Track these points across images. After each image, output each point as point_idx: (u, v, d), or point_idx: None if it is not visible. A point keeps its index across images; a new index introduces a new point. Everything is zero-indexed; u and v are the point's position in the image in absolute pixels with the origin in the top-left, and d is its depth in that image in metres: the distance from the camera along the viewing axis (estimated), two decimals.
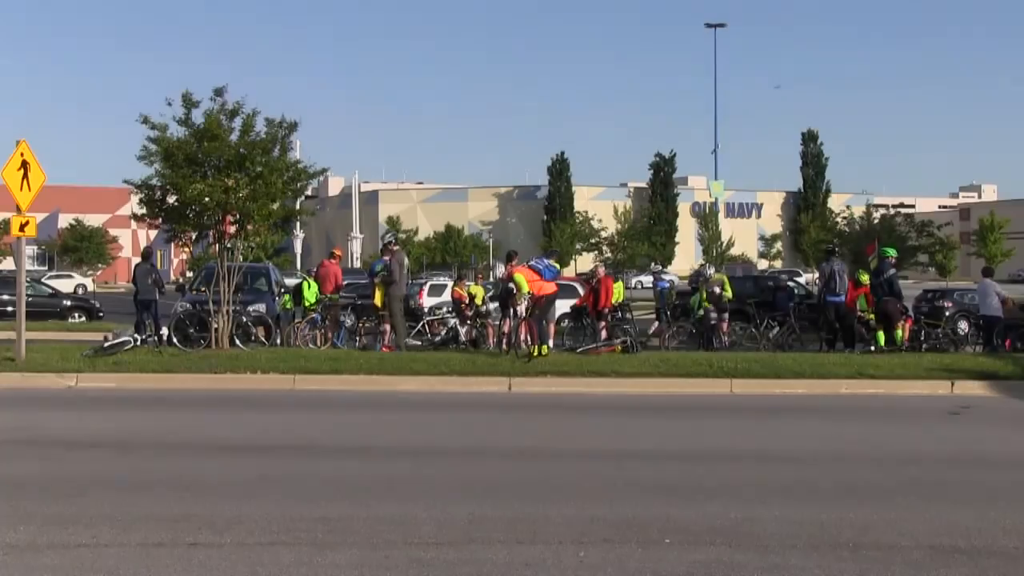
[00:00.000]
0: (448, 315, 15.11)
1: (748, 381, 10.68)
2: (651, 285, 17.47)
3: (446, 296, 23.31)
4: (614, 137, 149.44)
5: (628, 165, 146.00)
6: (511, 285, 12.67)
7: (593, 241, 63.15)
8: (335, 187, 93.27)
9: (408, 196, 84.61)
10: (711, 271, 14.83)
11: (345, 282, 16.23)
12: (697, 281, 14.83)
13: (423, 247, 77.87)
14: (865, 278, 14.41)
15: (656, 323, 16.45)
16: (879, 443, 7.27)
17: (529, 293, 12.10)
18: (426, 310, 16.30)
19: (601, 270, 16.06)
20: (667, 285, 17.07)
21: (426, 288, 24.71)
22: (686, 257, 76.30)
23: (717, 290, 14.62)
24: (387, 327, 14.00)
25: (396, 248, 14.07)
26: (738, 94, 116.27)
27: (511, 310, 12.55)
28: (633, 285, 49.61)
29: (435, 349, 13.74)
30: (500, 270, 13.31)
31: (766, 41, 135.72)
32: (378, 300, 13.63)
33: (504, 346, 13.30)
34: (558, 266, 12.66)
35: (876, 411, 9.15)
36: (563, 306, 18.74)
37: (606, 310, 15.27)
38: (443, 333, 14.56)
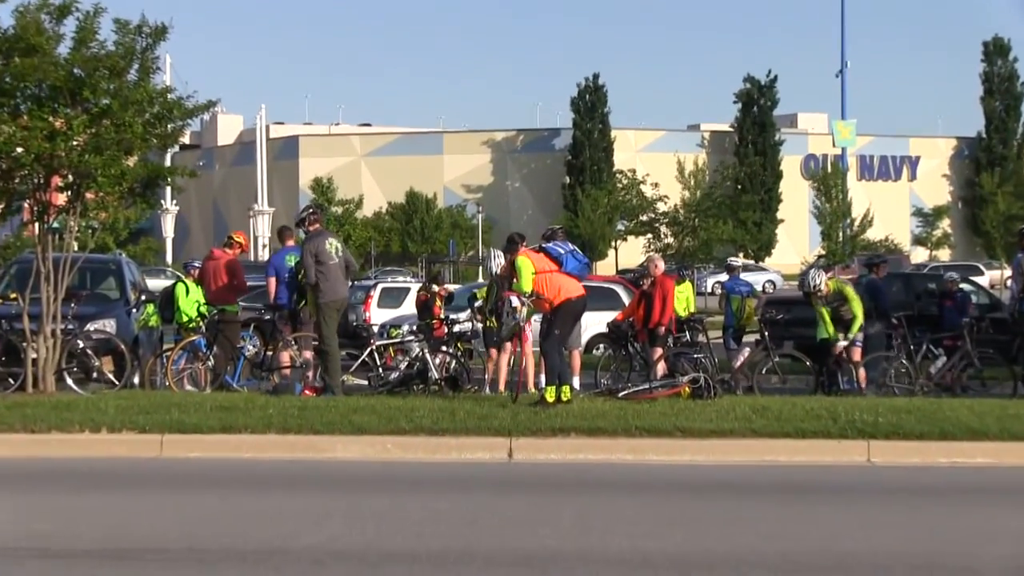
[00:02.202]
0: (411, 338, 15.25)
1: (896, 444, 10.71)
2: (721, 288, 17.69)
3: (407, 307, 23.48)
4: (675, 54, 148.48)
5: (700, 97, 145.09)
6: (512, 278, 12.83)
7: (644, 218, 63.39)
8: (229, 131, 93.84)
9: (346, 146, 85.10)
10: (819, 280, 14.76)
11: (248, 284, 16.31)
12: (807, 287, 14.85)
13: (371, 228, 78.53)
14: None
15: (744, 350, 16.48)
16: None
17: (534, 294, 12.10)
18: (376, 330, 16.43)
19: (657, 265, 16.16)
20: (745, 291, 17.19)
21: (375, 295, 24.89)
22: (796, 242, 76.49)
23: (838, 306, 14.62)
24: (311, 356, 14.10)
25: (314, 227, 13.94)
26: None
27: (504, 320, 12.63)
28: (710, 289, 49.79)
29: (390, 392, 13.86)
30: (496, 263, 13.30)
31: None
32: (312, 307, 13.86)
33: (499, 386, 13.34)
34: (584, 255, 12.68)
35: None
36: (595, 322, 18.88)
37: (665, 329, 15.39)
38: (403, 367, 14.70)
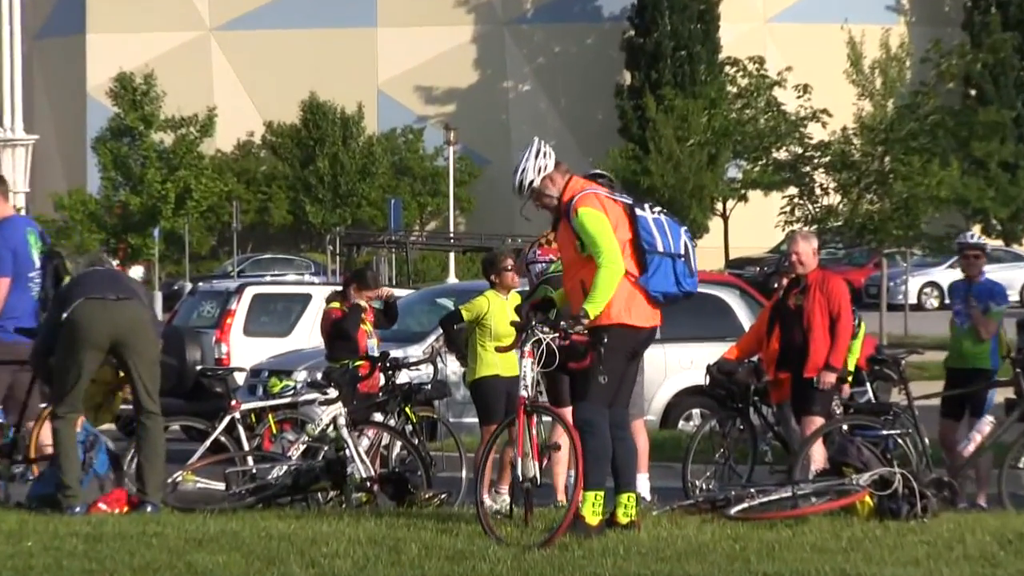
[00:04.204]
0: (313, 396, 15.52)
1: None
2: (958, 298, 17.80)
3: (304, 333, 23.43)
4: None
5: None
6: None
7: (781, 155, 62.98)
8: None
9: (183, 10, 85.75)
10: None
11: None
12: None
13: (231, 175, 77.93)
14: None
15: (984, 422, 16.51)
16: None
17: (581, 315, 11.97)
18: (243, 381, 16.48)
19: (805, 249, 16.22)
20: (997, 299, 17.27)
21: (240, 308, 24.76)
22: None
23: None
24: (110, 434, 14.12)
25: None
26: None
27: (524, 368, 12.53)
28: (914, 297, 49.87)
29: (271, 506, 14.03)
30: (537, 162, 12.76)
31: None
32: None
33: (500, 490, 13.32)
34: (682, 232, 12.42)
35: None
36: (683, 362, 18.81)
37: (831, 378, 15.54)
38: (296, 454, 14.94)
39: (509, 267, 16.30)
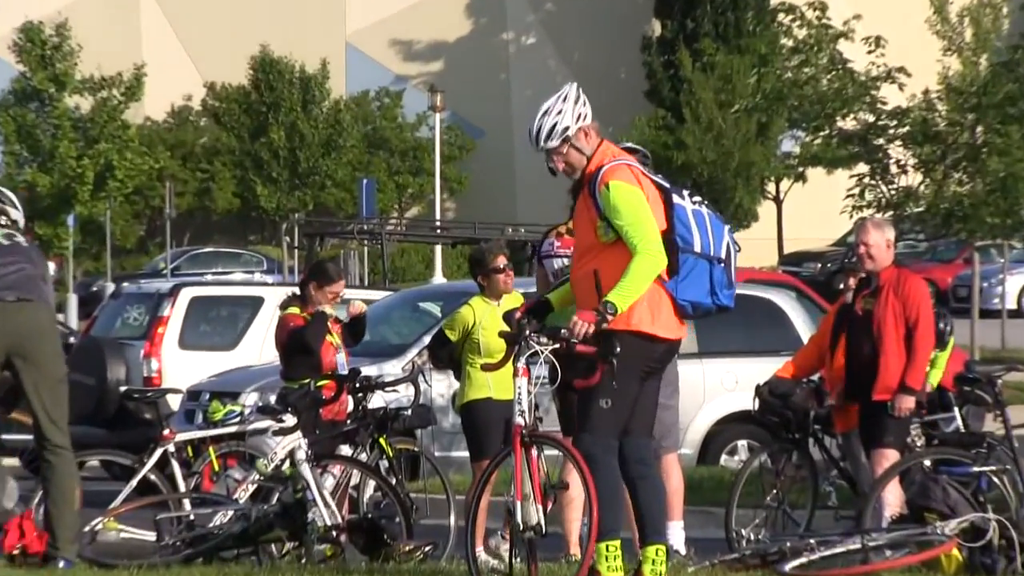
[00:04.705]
0: (264, 424, 15.74)
1: None
2: None
3: (254, 345, 23.47)
4: None
5: None
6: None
7: (848, 123, 63.02)
8: None
9: None
10: None
11: None
12: None
13: (162, 150, 77.71)
14: None
15: None
16: None
17: (607, 309, 11.88)
18: (178, 406, 16.50)
19: (877, 240, 16.20)
20: None
21: (175, 313, 24.81)
22: None
23: None
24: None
25: None
26: None
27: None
28: (1014, 300, 50.10)
29: (211, 561, 14.04)
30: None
31: None
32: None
33: (505, 536, 13.33)
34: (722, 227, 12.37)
35: None
36: (726, 382, 18.85)
37: (909, 402, 15.57)
38: (242, 497, 15.08)
39: (501, 267, 16.25)
